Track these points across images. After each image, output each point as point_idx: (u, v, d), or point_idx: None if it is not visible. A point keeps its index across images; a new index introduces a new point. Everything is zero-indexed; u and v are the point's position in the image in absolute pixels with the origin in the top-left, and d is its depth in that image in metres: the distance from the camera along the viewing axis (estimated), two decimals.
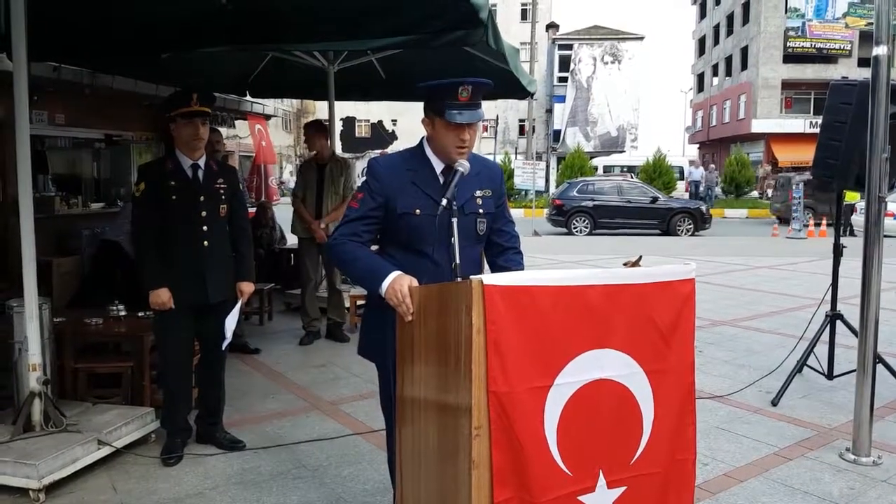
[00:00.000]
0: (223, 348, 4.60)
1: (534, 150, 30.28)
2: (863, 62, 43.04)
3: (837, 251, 5.60)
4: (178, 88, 4.68)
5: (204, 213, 4.46)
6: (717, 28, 56.40)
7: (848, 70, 44.03)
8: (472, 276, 2.31)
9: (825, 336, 5.72)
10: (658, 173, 31.18)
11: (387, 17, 4.98)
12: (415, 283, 2.68)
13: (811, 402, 5.56)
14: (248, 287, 4.66)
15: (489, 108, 53.89)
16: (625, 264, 6.78)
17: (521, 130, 51.65)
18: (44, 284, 7.43)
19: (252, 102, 12.83)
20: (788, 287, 11.16)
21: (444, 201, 2.76)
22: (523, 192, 26.96)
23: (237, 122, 14.57)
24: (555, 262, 14.13)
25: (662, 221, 21.76)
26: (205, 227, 4.45)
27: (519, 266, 3.12)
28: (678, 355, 2.67)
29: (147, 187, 4.42)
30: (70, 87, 8.69)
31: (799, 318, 8.57)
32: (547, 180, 35.17)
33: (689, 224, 21.57)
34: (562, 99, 52.29)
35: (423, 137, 3.03)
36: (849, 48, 44.12)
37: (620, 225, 22.05)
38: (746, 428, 5.01)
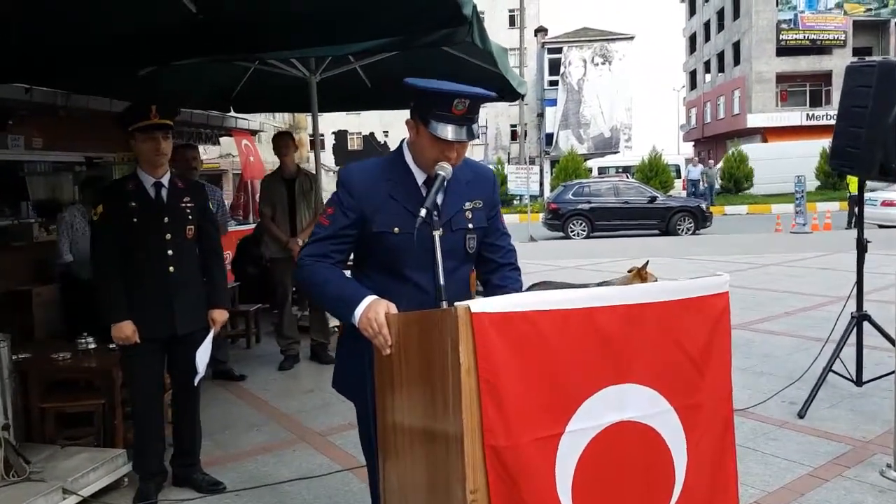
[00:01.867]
0: (195, 383, 4.17)
1: (526, 154, 29.94)
2: (857, 51, 42.92)
3: (861, 247, 5.19)
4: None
5: (168, 236, 4.05)
6: (707, 24, 56.20)
7: (843, 60, 43.77)
8: (457, 303, 1.89)
9: (851, 338, 5.29)
10: (654, 172, 30.79)
11: (365, 19, 4.70)
12: (393, 309, 2.27)
13: (841, 411, 5.14)
14: (220, 315, 4.26)
15: (481, 114, 53.78)
16: (630, 271, 6.39)
17: (514, 136, 51.49)
18: (24, 314, 7.18)
19: (237, 118, 12.46)
20: (800, 285, 10.74)
21: (423, 212, 2.34)
22: (518, 198, 26.60)
23: (223, 139, 14.22)
24: (553, 269, 13.71)
25: (662, 221, 21.32)
26: (170, 252, 4.05)
27: (516, 284, 2.70)
28: (713, 384, 2.25)
29: (105, 210, 4.03)
30: (45, 109, 8.35)
31: (815, 317, 8.19)
32: (541, 184, 34.77)
33: (690, 223, 21.13)
34: (553, 102, 52.08)
35: (402, 141, 2.62)
36: (843, 38, 43.85)
37: (619, 227, 21.64)
38: (774, 445, 4.59)
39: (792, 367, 6.13)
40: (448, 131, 2.38)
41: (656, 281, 6.26)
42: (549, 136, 52.43)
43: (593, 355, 2.04)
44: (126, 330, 3.95)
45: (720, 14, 52.77)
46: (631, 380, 2.10)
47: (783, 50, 44.98)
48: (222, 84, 8.31)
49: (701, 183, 30.26)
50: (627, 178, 28.39)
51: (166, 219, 4.06)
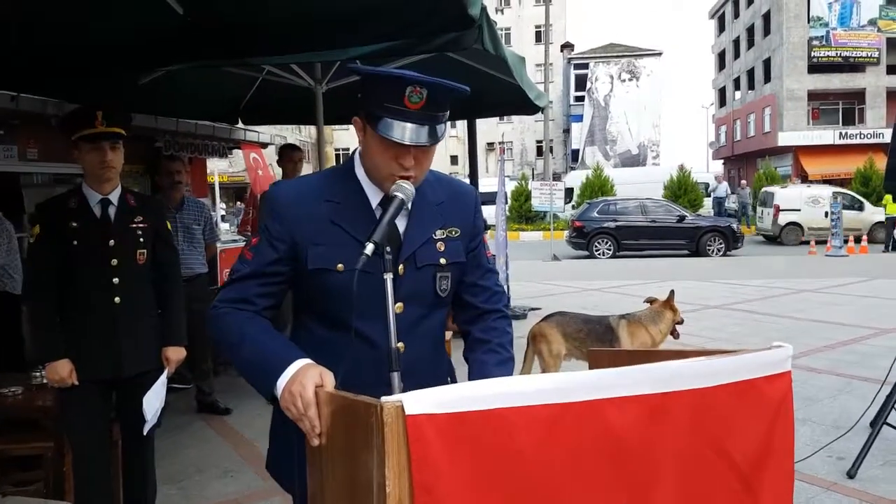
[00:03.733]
0: (145, 433, 3.58)
1: (551, 170, 29.29)
2: (891, 69, 42.01)
3: None
4: (78, 105, 3.74)
5: (115, 262, 3.47)
6: (737, 41, 55.27)
7: (877, 78, 42.92)
8: (385, 399, 1.27)
9: None
10: (683, 190, 29.91)
11: (367, 23, 4.22)
12: (328, 379, 1.65)
13: None
14: (176, 353, 3.66)
15: (507, 131, 53.74)
16: (649, 301, 5.71)
17: (539, 152, 51.01)
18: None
19: (246, 130, 11.97)
20: (840, 314, 9.95)
21: (369, 247, 1.71)
22: (542, 214, 25.98)
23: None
24: (576, 290, 13.05)
25: (691, 241, 20.51)
26: (115, 279, 3.47)
27: (504, 337, 2.05)
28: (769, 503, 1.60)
29: (42, 231, 3.46)
30: (36, 118, 7.87)
31: (859, 352, 7.47)
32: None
33: (720, 243, 20.29)
34: (579, 118, 51.53)
35: (354, 150, 2.02)
36: (876, 56, 42.75)
37: (646, 246, 20.84)
38: None
39: (838, 414, 5.45)
40: (400, 131, 1.78)
41: (679, 318, 5.58)
42: (575, 153, 51.87)
43: (598, 470, 1.40)
44: (62, 370, 3.37)
45: (750, 31, 51.84)
46: (650, 500, 1.46)
47: (815, 67, 43.92)
48: (230, 95, 7.87)
49: (728, 202, 29.25)
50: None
51: (112, 241, 3.48)
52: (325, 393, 1.58)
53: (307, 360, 1.72)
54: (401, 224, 1.90)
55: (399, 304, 1.86)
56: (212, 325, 1.91)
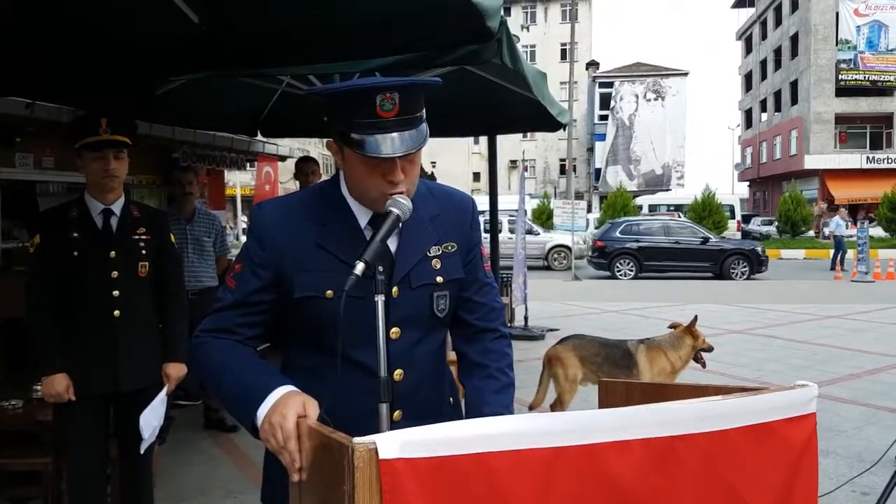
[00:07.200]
0: (142, 451, 3.47)
1: (573, 189, 29.17)
2: None
3: None
4: (82, 112, 3.67)
5: (115, 274, 3.38)
6: (764, 63, 55.03)
7: None
8: (357, 440, 1.13)
9: None
10: (708, 212, 29.67)
11: (384, 34, 4.20)
12: (312, 409, 1.52)
13: None
14: (176, 370, 3.55)
15: (530, 148, 53.71)
16: (672, 326, 5.53)
17: (563, 170, 50.96)
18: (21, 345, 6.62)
19: (265, 143, 11.96)
20: (866, 342, 9.69)
21: (359, 267, 1.57)
22: None
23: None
24: (596, 311, 12.86)
25: (715, 264, 20.21)
26: (116, 292, 3.37)
27: (502, 361, 1.91)
28: None
29: (43, 241, 3.37)
30: (51, 126, 7.87)
31: (886, 382, 7.25)
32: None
33: (745, 266, 19.95)
34: (603, 137, 51.35)
35: (339, 169, 1.90)
36: None
37: (669, 268, 20.58)
38: None
39: (863, 446, 5.25)
40: (380, 145, 1.63)
41: (707, 345, 5.40)
42: (599, 172, 51.69)
43: None
44: (58, 385, 3.27)
45: (777, 53, 51.63)
46: None
47: (843, 90, 43.68)
48: (249, 107, 7.82)
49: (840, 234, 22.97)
50: (679, 216, 27.27)
51: (113, 253, 3.39)
52: (311, 426, 1.44)
53: (290, 388, 1.59)
54: (392, 244, 1.76)
55: (395, 330, 1.74)
56: (193, 356, 1.79)
